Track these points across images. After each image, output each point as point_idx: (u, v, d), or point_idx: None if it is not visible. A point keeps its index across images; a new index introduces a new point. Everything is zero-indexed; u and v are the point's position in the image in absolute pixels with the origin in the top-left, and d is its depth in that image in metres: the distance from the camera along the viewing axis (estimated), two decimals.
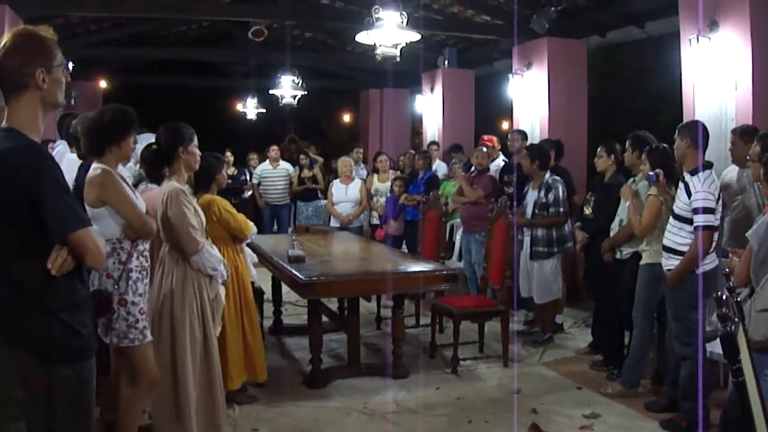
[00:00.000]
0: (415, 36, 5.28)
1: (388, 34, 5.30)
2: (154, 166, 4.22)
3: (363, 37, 5.42)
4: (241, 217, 5.07)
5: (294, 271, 5.29)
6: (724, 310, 2.22)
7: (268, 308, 6.91)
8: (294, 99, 10.96)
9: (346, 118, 21.86)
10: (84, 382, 2.45)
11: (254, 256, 5.30)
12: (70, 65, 2.62)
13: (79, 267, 2.43)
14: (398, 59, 5.53)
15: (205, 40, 12.86)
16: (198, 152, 4.25)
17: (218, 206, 4.91)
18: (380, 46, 5.36)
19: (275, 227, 11.39)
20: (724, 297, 2.34)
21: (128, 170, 4.52)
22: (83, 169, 3.98)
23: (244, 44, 11.10)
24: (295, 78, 10.54)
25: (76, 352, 2.41)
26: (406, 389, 5.34)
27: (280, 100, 11.07)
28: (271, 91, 11.34)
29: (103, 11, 8.40)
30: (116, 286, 3.56)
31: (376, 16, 5.21)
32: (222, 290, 4.27)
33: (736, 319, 2.33)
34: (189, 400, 3.96)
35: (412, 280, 5.47)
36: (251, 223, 5.12)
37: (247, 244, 5.31)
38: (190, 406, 3.97)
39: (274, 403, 5.03)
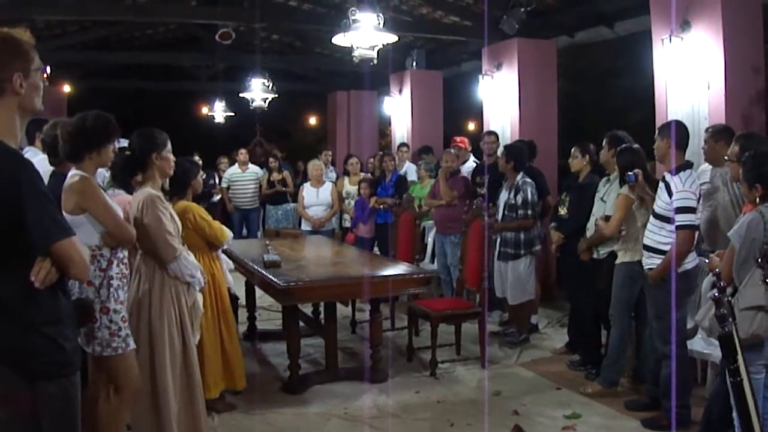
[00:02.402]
0: (392, 37, 5.26)
1: (365, 35, 5.27)
2: (128, 173, 4.14)
3: (340, 39, 5.37)
4: (216, 224, 5.01)
5: (271, 277, 5.23)
6: (722, 310, 2.22)
7: (242, 314, 6.84)
8: (265, 102, 10.87)
9: (312, 120, 21.77)
10: (69, 398, 2.38)
11: (230, 262, 5.22)
12: (48, 69, 2.54)
13: (62, 278, 2.35)
14: (375, 61, 5.50)
15: (171, 43, 12.69)
16: (172, 158, 4.17)
17: (194, 213, 4.84)
18: (357, 48, 5.33)
19: (245, 231, 11.29)
20: (720, 298, 2.35)
21: (99, 176, 4.40)
22: (55, 177, 3.89)
23: (212, 47, 10.97)
24: (266, 81, 10.45)
25: (61, 368, 2.34)
26: (385, 393, 5.31)
27: (250, 104, 10.97)
28: (241, 95, 11.25)
29: (70, 15, 8.24)
30: (97, 294, 3.48)
31: (353, 17, 5.17)
32: (200, 297, 4.20)
33: (731, 319, 2.34)
34: (170, 410, 3.88)
35: (390, 283, 5.42)
36: (227, 230, 5.06)
37: (223, 250, 5.24)
38: (171, 417, 3.89)
39: (253, 411, 4.97)
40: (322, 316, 6.15)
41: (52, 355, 2.30)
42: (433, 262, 8.07)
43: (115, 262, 3.58)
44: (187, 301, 4.05)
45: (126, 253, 3.71)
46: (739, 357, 2.22)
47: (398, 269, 5.81)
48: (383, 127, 13.41)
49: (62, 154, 3.61)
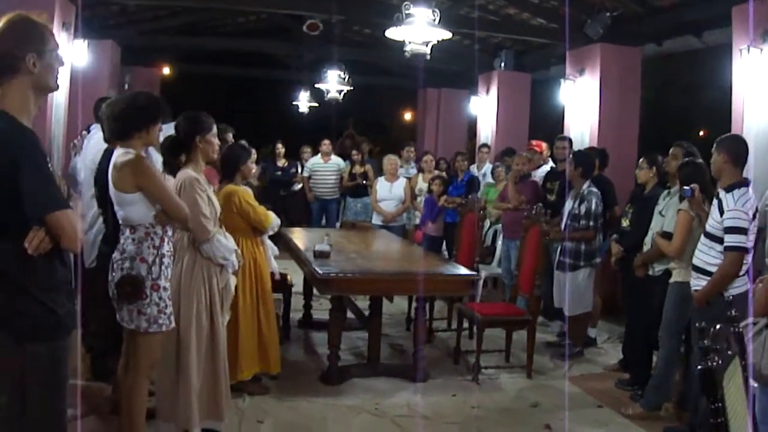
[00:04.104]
0: (446, 34, 5.15)
1: (419, 31, 5.19)
2: (172, 154, 4.22)
3: (393, 33, 5.32)
4: (261, 209, 5.05)
5: (314, 266, 5.26)
6: (705, 342, 2.06)
7: (299, 301, 6.91)
8: (339, 94, 10.92)
9: (408, 116, 21.76)
10: (57, 361, 2.48)
11: (275, 248, 5.26)
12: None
13: (60, 249, 2.45)
14: (428, 57, 5.41)
15: (259, 32, 12.93)
16: (216, 141, 4.23)
17: (239, 197, 4.90)
18: (410, 42, 5.26)
19: (323, 221, 11.40)
20: (712, 328, 2.18)
21: (156, 162, 4.48)
22: (108, 153, 4.00)
23: (300, 37, 11.11)
24: (342, 73, 10.49)
25: (50, 331, 2.44)
26: (421, 393, 5.25)
27: (325, 95, 11.04)
28: (317, 85, 11.33)
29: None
30: (149, 271, 3.54)
31: (407, 12, 5.11)
32: (233, 280, 4.25)
33: (730, 353, 2.16)
34: (190, 387, 3.96)
35: (431, 282, 5.35)
36: (273, 216, 5.09)
37: (276, 237, 5.27)
38: (191, 393, 3.96)
39: (285, 397, 5.01)
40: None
41: (42, 319, 2.40)
42: (500, 266, 7.94)
43: (166, 240, 3.65)
44: (218, 282, 4.11)
45: (175, 232, 3.79)
46: (727, 396, 2.05)
47: (443, 269, 5.73)
48: (473, 127, 13.23)
49: (109, 132, 3.67)
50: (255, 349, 4.95)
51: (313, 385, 5.29)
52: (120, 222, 3.65)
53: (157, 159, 4.92)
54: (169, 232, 3.67)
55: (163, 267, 3.58)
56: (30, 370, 2.38)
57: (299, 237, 6.91)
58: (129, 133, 3.56)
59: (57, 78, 2.56)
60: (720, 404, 2.05)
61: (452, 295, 6.02)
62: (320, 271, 5.10)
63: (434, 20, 5.14)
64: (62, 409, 2.52)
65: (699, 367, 2.05)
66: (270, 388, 5.12)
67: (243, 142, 12.63)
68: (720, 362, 2.09)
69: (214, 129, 4.19)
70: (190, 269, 4.02)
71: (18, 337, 2.37)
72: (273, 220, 5.06)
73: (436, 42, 5.26)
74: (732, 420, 2.08)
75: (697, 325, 2.16)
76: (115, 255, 3.59)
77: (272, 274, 5.21)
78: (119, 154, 3.57)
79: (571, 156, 6.53)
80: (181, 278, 3.99)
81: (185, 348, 3.96)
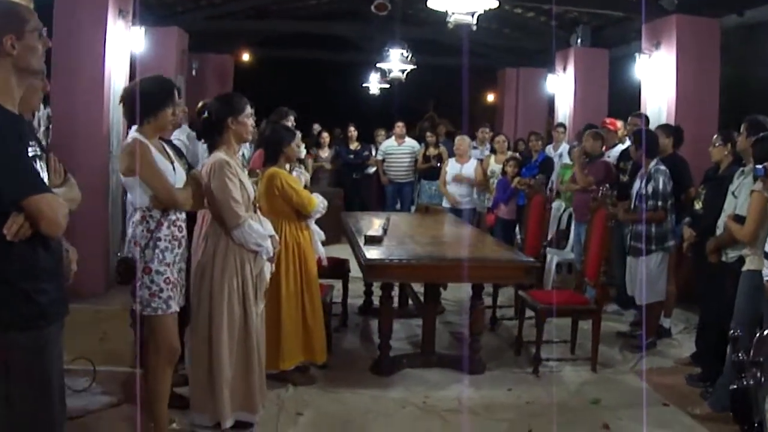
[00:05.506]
0: (492, 3, 4.82)
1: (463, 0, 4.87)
2: (205, 137, 4.11)
3: (435, 3, 5.02)
4: (305, 192, 4.88)
5: (363, 251, 5.06)
6: (740, 355, 1.70)
7: (359, 288, 6.72)
8: (402, 74, 10.67)
9: (491, 97, 21.28)
10: (41, 351, 2.40)
11: (321, 233, 5.09)
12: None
13: (44, 235, 2.36)
14: (474, 28, 5.10)
15: (330, 14, 12.79)
16: (250, 123, 4.09)
17: (281, 180, 4.74)
18: (453, 13, 4.96)
19: (398, 204, 11.23)
20: (757, 336, 1.83)
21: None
22: None
23: (369, 18, 10.91)
24: (404, 51, 10.23)
25: (31, 320, 2.36)
26: (475, 386, 4.98)
27: (387, 74, 10.81)
28: (378, 65, 11.11)
29: None
30: (142, 254, 3.54)
31: None
32: (268, 267, 4.09)
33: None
34: (222, 376, 3.85)
35: (483, 269, 5.08)
36: (318, 200, 4.91)
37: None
38: (223, 382, 3.85)
39: (331, 388, 4.84)
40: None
41: (22, 307, 2.34)
42: (573, 250, 7.57)
43: (165, 224, 3.61)
44: (252, 270, 3.96)
45: (181, 215, 3.72)
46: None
47: (495, 255, 5.44)
48: (552, 106, 12.77)
49: (124, 116, 3.69)
50: (299, 338, 4.80)
51: (363, 376, 5.10)
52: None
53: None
54: (172, 216, 3.62)
55: (157, 251, 3.55)
56: (12, 360, 2.32)
57: (358, 221, 6.71)
58: (136, 119, 3.58)
59: (41, 59, 2.46)
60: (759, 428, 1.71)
61: (507, 282, 5.70)
62: (367, 256, 4.90)
63: None
64: (50, 401, 2.42)
65: (733, 386, 1.71)
66: (317, 378, 4.95)
67: (316, 125, 12.65)
68: (763, 379, 1.74)
69: (248, 110, 4.05)
70: (222, 256, 3.88)
71: None
72: (317, 203, 4.88)
73: (482, 12, 4.94)
74: None
75: (731, 333, 1.81)
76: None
77: (319, 261, 5.05)
78: (126, 140, 3.64)
79: (632, 135, 6.10)
80: (213, 265, 3.87)
81: (216, 337, 3.85)
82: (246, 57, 13.81)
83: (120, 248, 5.09)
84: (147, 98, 3.55)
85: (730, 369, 2.15)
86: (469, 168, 8.90)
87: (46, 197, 2.31)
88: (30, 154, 2.36)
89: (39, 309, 2.36)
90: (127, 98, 3.66)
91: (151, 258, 3.54)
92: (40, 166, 2.41)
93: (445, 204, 9.00)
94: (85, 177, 6.38)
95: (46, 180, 2.43)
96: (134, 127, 3.67)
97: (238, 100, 4.06)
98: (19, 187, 2.27)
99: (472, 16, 4.94)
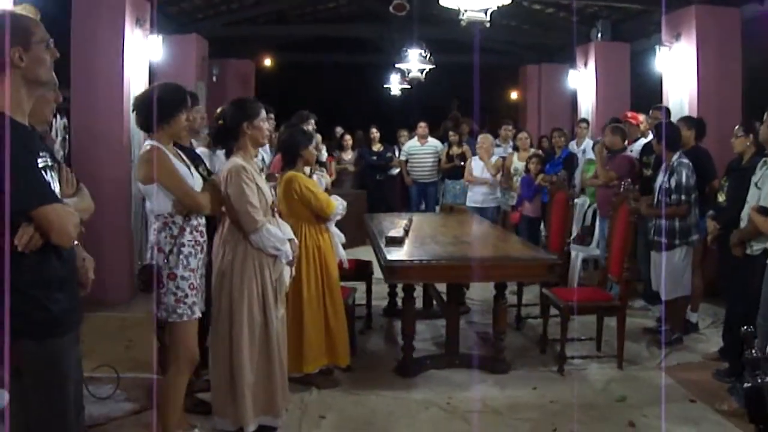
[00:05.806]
0: (505, 0, 4.78)
1: None
2: (220, 142, 4.14)
3: (447, 1, 4.99)
4: (324, 195, 4.88)
5: (384, 253, 5.05)
6: (754, 352, 1.66)
7: (383, 289, 6.71)
8: (421, 73, 10.64)
9: (514, 95, 21.17)
10: (54, 359, 2.41)
11: (342, 236, 5.09)
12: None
13: (56, 245, 2.38)
14: (488, 25, 5.06)
15: (348, 17, 12.79)
16: (266, 126, 4.10)
17: (299, 184, 4.75)
18: (465, 11, 4.92)
19: (423, 205, 11.20)
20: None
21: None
22: None
23: (387, 19, 10.90)
24: (423, 51, 10.20)
25: (44, 329, 2.38)
26: (499, 386, 4.94)
27: (406, 74, 10.79)
28: (397, 65, 11.09)
29: None
30: (166, 261, 3.58)
31: None
32: (287, 271, 4.09)
33: None
34: (244, 381, 3.87)
35: (503, 268, 5.04)
36: (337, 202, 4.91)
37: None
38: (244, 387, 3.86)
39: (354, 390, 4.83)
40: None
41: (35, 316, 2.35)
42: (598, 247, 7.50)
43: (188, 230, 3.65)
44: (271, 274, 3.96)
45: (202, 221, 3.75)
46: None
47: (516, 254, 5.40)
48: (575, 102, 12.66)
49: (136, 124, 3.71)
50: (321, 341, 4.80)
51: (387, 378, 5.09)
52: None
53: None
54: (194, 222, 3.65)
55: (182, 257, 3.58)
56: (26, 368, 2.35)
57: (380, 222, 6.70)
58: (152, 126, 3.59)
59: (50, 70, 2.47)
60: None
61: (530, 280, 5.65)
62: (387, 258, 4.89)
63: None
64: (63, 409, 2.43)
65: (747, 383, 1.66)
66: (340, 381, 4.95)
67: (338, 128, 12.64)
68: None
69: (263, 114, 4.06)
70: (241, 261, 3.89)
71: (11, 334, 2.30)
72: (336, 206, 4.88)
73: (495, 8, 4.89)
74: None
75: (743, 329, 1.76)
76: None
77: (340, 263, 5.05)
78: (142, 147, 3.67)
79: (653, 128, 6.02)
80: (233, 270, 3.88)
81: (237, 342, 3.87)
82: (267, 62, 13.85)
83: (142, 257, 5.14)
84: (160, 105, 3.57)
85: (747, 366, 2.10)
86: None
87: (55, 207, 2.34)
88: (40, 165, 2.37)
89: (51, 317, 2.38)
90: (139, 106, 3.68)
91: (176, 264, 3.58)
92: (51, 177, 2.41)
93: (469, 203, 8.97)
94: (107, 187, 6.58)
95: (57, 190, 2.44)
96: (148, 135, 3.71)
97: (252, 104, 4.07)
98: (28, 197, 2.29)
99: (485, 13, 4.91)
